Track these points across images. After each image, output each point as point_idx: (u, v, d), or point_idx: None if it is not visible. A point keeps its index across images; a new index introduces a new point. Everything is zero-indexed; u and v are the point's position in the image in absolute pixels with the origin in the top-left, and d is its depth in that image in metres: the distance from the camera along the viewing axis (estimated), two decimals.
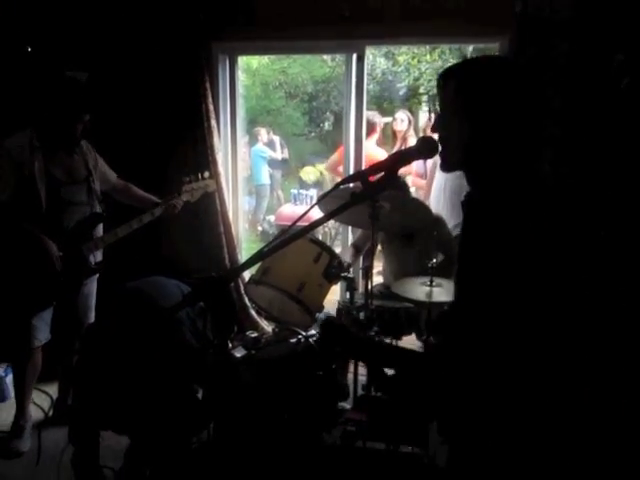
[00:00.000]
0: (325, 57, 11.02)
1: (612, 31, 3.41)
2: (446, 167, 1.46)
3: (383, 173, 1.41)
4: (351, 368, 3.21)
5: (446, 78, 1.41)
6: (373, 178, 1.42)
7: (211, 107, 4.01)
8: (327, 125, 11.98)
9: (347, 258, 3.50)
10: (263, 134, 9.63)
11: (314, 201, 8.01)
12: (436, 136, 1.44)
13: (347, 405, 3.18)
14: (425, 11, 3.62)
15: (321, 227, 7.20)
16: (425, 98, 10.35)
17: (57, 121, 2.97)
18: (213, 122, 4.02)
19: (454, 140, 1.40)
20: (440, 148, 1.43)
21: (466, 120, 1.36)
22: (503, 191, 1.37)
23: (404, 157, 1.44)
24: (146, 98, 4.04)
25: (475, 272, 1.34)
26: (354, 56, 3.94)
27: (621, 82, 3.36)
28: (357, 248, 3.54)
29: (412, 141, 5.08)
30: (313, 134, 12.00)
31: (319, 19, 3.77)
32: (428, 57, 9.57)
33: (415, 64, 9.76)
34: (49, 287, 2.97)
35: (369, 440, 2.55)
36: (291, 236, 1.37)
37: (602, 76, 3.42)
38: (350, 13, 3.73)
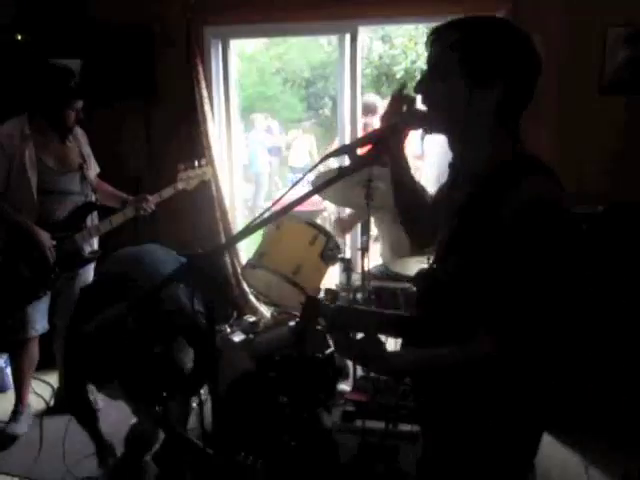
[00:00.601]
0: (322, 42, 10.95)
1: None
2: (430, 131, 1.39)
3: (371, 146, 1.39)
4: None
5: (439, 33, 1.32)
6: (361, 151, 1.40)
7: (205, 92, 3.98)
8: (326, 111, 11.92)
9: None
10: (260, 120, 9.58)
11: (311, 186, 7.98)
12: (419, 98, 1.37)
13: (347, 387, 3.18)
14: None
15: (320, 212, 7.19)
16: None
17: (47, 108, 2.95)
18: (207, 107, 3.98)
19: (443, 101, 1.33)
20: (426, 110, 1.36)
21: (460, 79, 1.28)
22: (509, 160, 1.30)
23: (390, 129, 1.41)
24: (138, 83, 4.00)
25: (491, 244, 1.25)
26: (347, 37, 3.90)
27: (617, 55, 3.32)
28: (341, 226, 3.52)
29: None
30: (313, 120, 11.95)
31: (311, 0, 3.73)
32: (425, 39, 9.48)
33: (412, 47, 9.69)
34: (43, 277, 2.95)
35: (368, 419, 2.56)
36: (277, 212, 1.34)
37: None
38: None
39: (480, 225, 1.28)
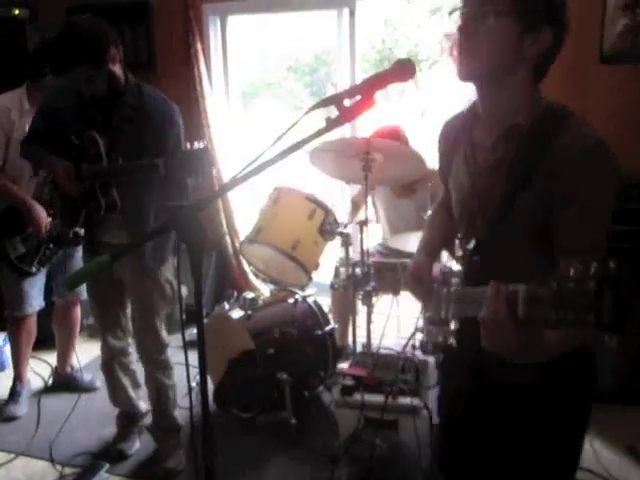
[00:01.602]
0: (326, 29, 10.85)
1: None
2: (466, 76, 1.33)
3: (359, 97, 1.34)
4: (351, 331, 3.18)
5: None
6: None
7: (203, 70, 3.94)
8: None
9: (343, 215, 3.45)
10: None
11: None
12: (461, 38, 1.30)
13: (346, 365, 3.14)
14: None
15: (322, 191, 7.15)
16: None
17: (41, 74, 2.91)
18: (206, 83, 3.95)
19: (491, 40, 1.27)
20: (464, 53, 1.31)
21: (512, 19, 1.24)
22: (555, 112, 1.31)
23: (380, 79, 1.36)
24: (137, 60, 3.97)
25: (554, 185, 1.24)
26: (345, 11, 3.84)
27: None
28: (355, 204, 3.47)
29: None
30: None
31: None
32: (428, 22, 9.40)
33: (415, 29, 9.58)
34: (37, 253, 2.93)
35: (367, 393, 2.52)
36: (263, 164, 1.30)
37: None
38: None
39: (536, 172, 1.27)
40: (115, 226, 2.43)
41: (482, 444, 1.52)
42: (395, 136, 3.13)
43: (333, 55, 11.05)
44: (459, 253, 1.44)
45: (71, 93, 2.34)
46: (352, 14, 3.84)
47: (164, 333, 2.64)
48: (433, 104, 7.12)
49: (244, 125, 4.60)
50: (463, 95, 2.69)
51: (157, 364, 2.64)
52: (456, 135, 1.55)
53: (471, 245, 1.39)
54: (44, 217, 2.88)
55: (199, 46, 3.91)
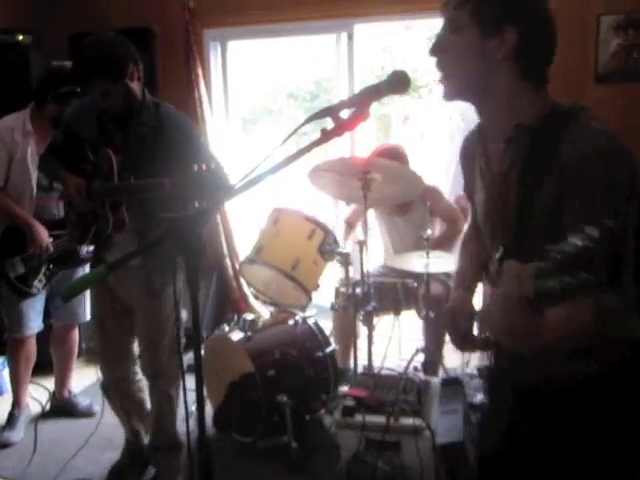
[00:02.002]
0: (325, 57, 11.00)
1: None
2: (449, 96, 1.39)
3: (355, 109, 1.34)
4: (352, 353, 3.15)
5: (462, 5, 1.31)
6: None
7: (204, 93, 3.99)
8: (329, 124, 11.94)
9: (339, 235, 3.44)
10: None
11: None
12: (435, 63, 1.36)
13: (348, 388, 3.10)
14: None
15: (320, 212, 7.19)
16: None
17: (45, 105, 2.94)
18: (206, 107, 3.99)
19: (458, 55, 1.32)
20: (442, 74, 1.36)
21: (473, 29, 1.29)
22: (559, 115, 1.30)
23: (375, 91, 1.36)
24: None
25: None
26: (344, 35, 3.90)
27: None
28: (349, 224, 3.48)
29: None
30: (315, 134, 11.98)
31: (308, 1, 3.76)
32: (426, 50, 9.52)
33: (413, 56, 9.71)
34: (38, 274, 2.92)
35: (368, 414, 2.49)
36: (261, 174, 1.29)
37: None
38: None
39: (549, 173, 1.26)
40: (124, 245, 2.38)
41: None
42: (395, 155, 3.14)
43: (334, 82, 11.22)
44: (491, 267, 1.44)
45: (92, 111, 2.37)
46: (350, 38, 3.89)
47: (170, 354, 2.58)
48: (432, 127, 7.18)
49: (244, 150, 4.64)
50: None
51: (162, 378, 2.57)
52: (473, 151, 1.56)
53: (499, 254, 1.39)
54: (45, 237, 2.89)
55: (200, 71, 3.96)
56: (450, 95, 1.39)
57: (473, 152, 1.55)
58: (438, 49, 1.36)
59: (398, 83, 1.34)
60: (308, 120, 1.36)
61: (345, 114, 1.35)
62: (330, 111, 1.34)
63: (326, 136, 1.34)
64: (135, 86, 2.30)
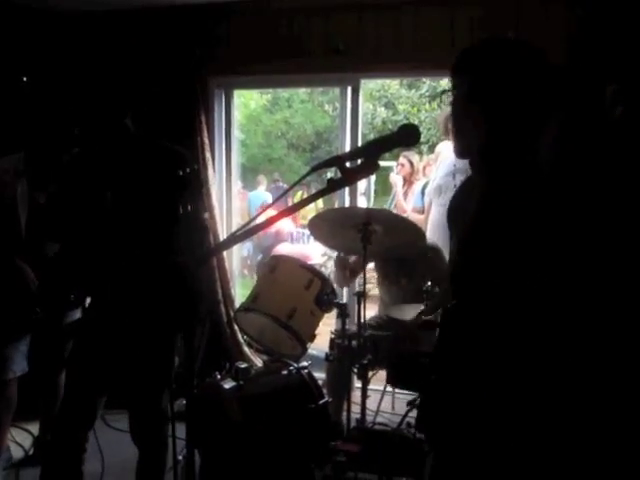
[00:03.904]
0: (326, 107, 11.21)
1: (605, 62, 3.42)
2: (459, 154, 1.46)
3: (362, 159, 1.35)
4: (345, 406, 3.08)
5: (459, 72, 1.41)
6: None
7: (206, 140, 4.02)
8: (329, 175, 12.06)
9: (338, 281, 3.42)
10: (263, 182, 9.71)
11: (310, 240, 7.98)
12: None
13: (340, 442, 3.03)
14: (421, 43, 3.63)
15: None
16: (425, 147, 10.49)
17: (45, 150, 2.95)
18: (208, 155, 4.01)
19: (469, 131, 1.40)
20: (455, 135, 1.45)
21: (481, 113, 1.36)
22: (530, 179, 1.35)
23: (384, 143, 1.37)
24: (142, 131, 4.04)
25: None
26: (349, 89, 3.96)
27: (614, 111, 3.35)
28: (352, 272, 3.44)
29: (419, 184, 4.89)
30: (315, 183, 12.10)
31: (313, 53, 3.82)
32: (427, 106, 9.72)
33: (415, 112, 9.90)
34: (24, 316, 2.87)
35: (361, 471, 2.41)
36: (261, 224, 1.28)
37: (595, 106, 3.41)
38: (344, 47, 3.76)
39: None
40: None
41: None
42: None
43: (335, 133, 11.40)
44: None
45: (89, 154, 2.41)
46: (355, 91, 3.95)
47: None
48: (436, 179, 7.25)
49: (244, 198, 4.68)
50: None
51: (156, 439, 2.51)
52: (456, 212, 1.60)
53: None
54: (33, 281, 2.85)
55: (203, 118, 3.99)
56: (459, 154, 1.46)
57: (456, 213, 1.59)
58: (455, 112, 1.44)
59: (409, 136, 1.35)
60: (315, 169, 1.36)
61: (349, 164, 1.35)
62: (337, 161, 1.33)
63: (333, 186, 1.33)
64: (129, 122, 2.39)
